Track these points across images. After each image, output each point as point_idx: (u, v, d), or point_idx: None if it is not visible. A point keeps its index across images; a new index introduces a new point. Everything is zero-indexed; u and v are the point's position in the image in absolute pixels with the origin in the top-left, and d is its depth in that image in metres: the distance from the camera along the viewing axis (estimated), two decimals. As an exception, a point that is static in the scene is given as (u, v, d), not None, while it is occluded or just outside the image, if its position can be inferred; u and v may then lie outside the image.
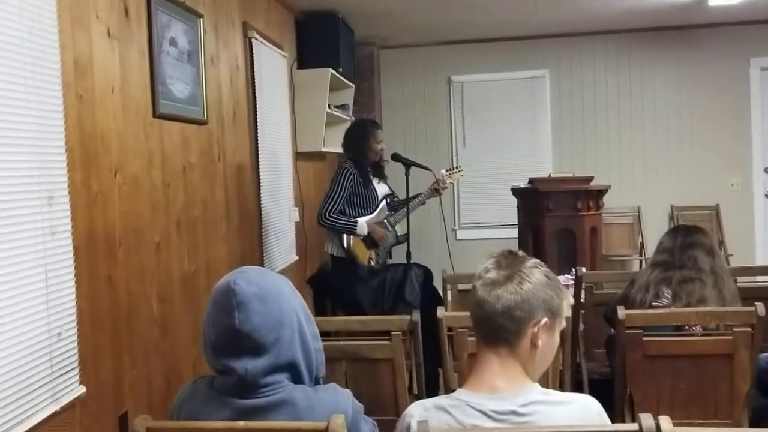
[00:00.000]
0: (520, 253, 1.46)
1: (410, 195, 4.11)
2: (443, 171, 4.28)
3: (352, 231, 3.94)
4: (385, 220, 4.10)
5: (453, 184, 4.52)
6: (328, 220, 3.89)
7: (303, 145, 4.91)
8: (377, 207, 4.08)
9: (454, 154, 6.68)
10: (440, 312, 2.52)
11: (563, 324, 1.45)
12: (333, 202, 3.89)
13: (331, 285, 3.89)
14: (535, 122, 6.57)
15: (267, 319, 1.30)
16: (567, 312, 1.46)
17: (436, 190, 4.15)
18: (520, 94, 6.57)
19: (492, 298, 1.39)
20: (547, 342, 1.41)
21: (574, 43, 6.45)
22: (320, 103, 4.90)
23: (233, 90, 3.64)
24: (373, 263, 4.02)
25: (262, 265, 3.94)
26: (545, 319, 1.39)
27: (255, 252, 3.94)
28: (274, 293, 1.34)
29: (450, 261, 4.38)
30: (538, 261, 1.45)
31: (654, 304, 2.64)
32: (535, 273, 1.41)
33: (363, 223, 3.96)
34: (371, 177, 4.08)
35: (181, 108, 2.95)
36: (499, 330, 1.39)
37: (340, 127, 5.04)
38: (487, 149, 6.63)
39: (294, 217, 4.61)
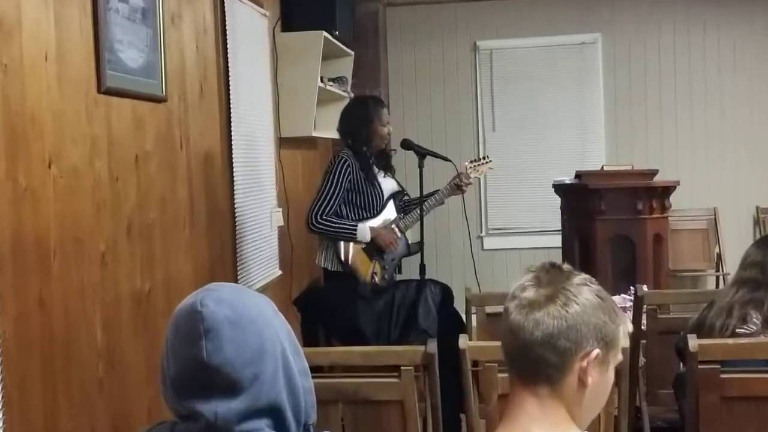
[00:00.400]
0: (565, 266, 1.47)
1: (425, 193, 4.11)
2: (467, 163, 4.29)
3: (350, 237, 3.97)
4: (393, 225, 4.12)
5: (479, 178, 4.52)
6: (321, 224, 3.94)
7: (289, 128, 4.93)
8: (383, 208, 4.10)
9: (480, 140, 6.65)
10: (463, 341, 2.50)
11: (619, 357, 1.46)
12: (327, 202, 3.93)
13: (325, 307, 3.90)
14: (584, 101, 6.54)
15: (243, 349, 1.31)
16: (624, 342, 1.48)
17: (457, 187, 4.16)
18: (565, 65, 6.55)
19: (530, 324, 1.40)
20: (598, 380, 1.42)
21: (632, 1, 6.49)
22: (310, 76, 4.91)
23: (200, 58, 3.66)
24: (377, 279, 4.04)
25: (236, 281, 3.94)
26: (597, 351, 1.40)
27: (227, 265, 3.96)
28: (251, 317, 1.34)
29: (475, 277, 4.36)
30: (587, 277, 1.46)
31: (738, 330, 2.66)
32: (584, 292, 1.42)
33: (365, 227, 4.00)
34: (375, 170, 4.10)
35: (134, 81, 2.96)
36: (538, 364, 1.40)
37: (336, 106, 5.01)
38: (522, 135, 6.60)
39: (277, 221, 4.61)
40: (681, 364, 2.88)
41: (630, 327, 1.56)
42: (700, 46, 6.41)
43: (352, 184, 4.00)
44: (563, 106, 6.58)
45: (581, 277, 1.46)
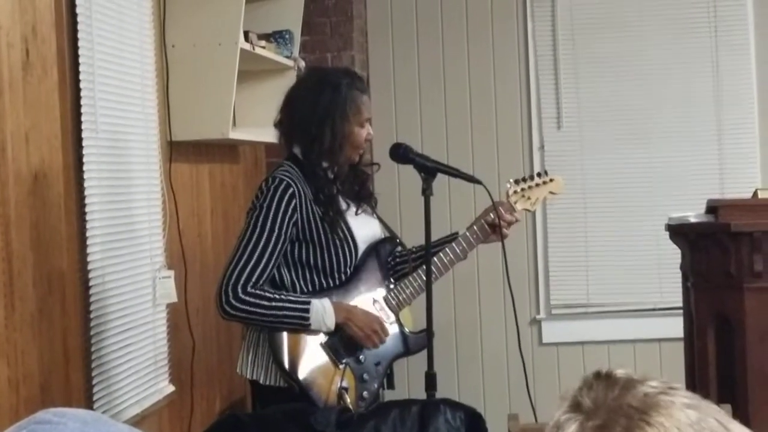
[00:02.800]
0: (620, 372, 1.48)
1: (433, 240, 4.22)
2: (510, 184, 4.43)
3: (299, 324, 4.10)
4: (377, 298, 4.29)
5: (530, 212, 4.75)
6: (246, 302, 4.06)
7: (187, 127, 4.98)
8: (357, 270, 4.29)
9: (534, 146, 6.84)
10: None
11: None
12: (255, 261, 4.09)
13: None
14: (722, 73, 6.70)
15: None
16: None
17: (491, 228, 4.33)
18: (689, 12, 6.75)
19: None
20: None
21: None
22: (226, 30, 4.97)
23: (24, 8, 3.69)
24: (349, 401, 4.14)
25: (89, 405, 4.01)
26: None
27: (74, 375, 3.97)
28: None
29: (528, 393, 4.38)
30: (666, 383, 1.46)
31: None
32: (661, 406, 1.43)
33: (324, 305, 4.12)
34: (338, 195, 4.25)
35: None
36: None
37: (274, 85, 5.22)
38: (609, 136, 6.78)
39: (166, 295, 4.67)
40: None
41: None
42: None
43: (302, 228, 4.12)
44: (684, 84, 6.73)
45: (652, 384, 1.46)
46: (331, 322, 4.13)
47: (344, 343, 4.19)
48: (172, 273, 4.72)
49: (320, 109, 4.20)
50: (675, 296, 5.26)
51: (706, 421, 1.43)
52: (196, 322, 4.98)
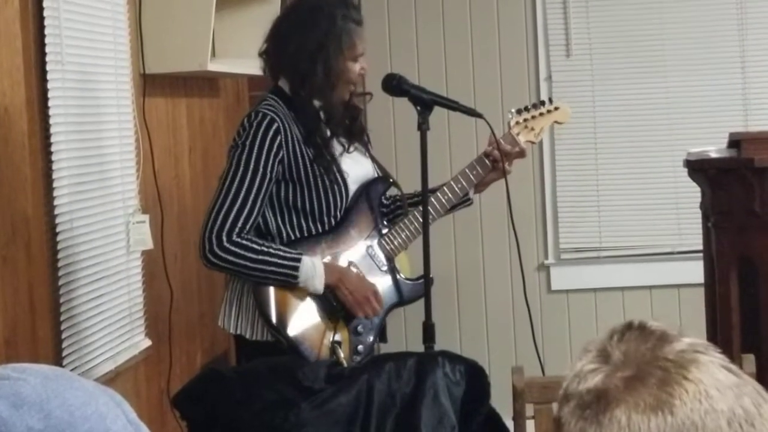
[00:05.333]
0: (654, 324, 1.51)
1: (431, 181, 4.24)
2: (512, 114, 4.41)
3: (286, 281, 4.08)
4: (368, 248, 4.30)
5: (535, 144, 4.64)
6: (231, 251, 4.05)
7: (161, 57, 4.96)
8: (348, 213, 4.29)
9: (540, 76, 6.83)
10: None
11: None
12: (240, 206, 4.09)
13: (235, 411, 3.97)
14: (746, 3, 6.67)
15: None
16: None
17: (492, 163, 4.30)
18: None
19: None
20: None
21: None
22: None
23: None
24: (341, 356, 4.15)
25: (57, 361, 4.05)
26: None
27: (40, 329, 3.99)
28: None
29: (534, 345, 4.38)
30: (702, 342, 1.49)
31: None
32: (700, 362, 1.47)
33: (314, 265, 4.13)
34: (332, 138, 4.22)
35: None
36: None
37: (257, 11, 5.26)
38: (625, 65, 6.76)
39: (141, 241, 4.70)
40: None
41: None
42: None
43: (288, 168, 4.10)
44: (704, 8, 6.74)
45: (688, 340, 1.49)
46: (320, 285, 4.11)
47: (333, 297, 4.22)
48: (146, 217, 4.70)
49: (312, 42, 4.16)
50: (694, 238, 5.31)
51: (746, 387, 1.44)
52: (174, 270, 4.96)
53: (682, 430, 1.45)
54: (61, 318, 4.08)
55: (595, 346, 1.55)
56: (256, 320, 4.14)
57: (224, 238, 4.02)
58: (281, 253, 4.07)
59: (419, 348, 4.08)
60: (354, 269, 4.27)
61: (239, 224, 4.05)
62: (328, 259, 4.21)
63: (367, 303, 4.20)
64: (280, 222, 4.18)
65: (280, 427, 3.84)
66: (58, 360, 4.05)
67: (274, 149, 4.08)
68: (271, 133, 4.07)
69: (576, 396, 1.50)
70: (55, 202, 4.07)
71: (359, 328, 4.22)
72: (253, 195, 4.07)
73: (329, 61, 4.15)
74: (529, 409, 3.50)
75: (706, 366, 1.48)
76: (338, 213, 4.24)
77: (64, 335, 4.08)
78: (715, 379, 1.48)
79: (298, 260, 4.07)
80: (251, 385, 3.94)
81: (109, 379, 4.30)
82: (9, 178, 3.77)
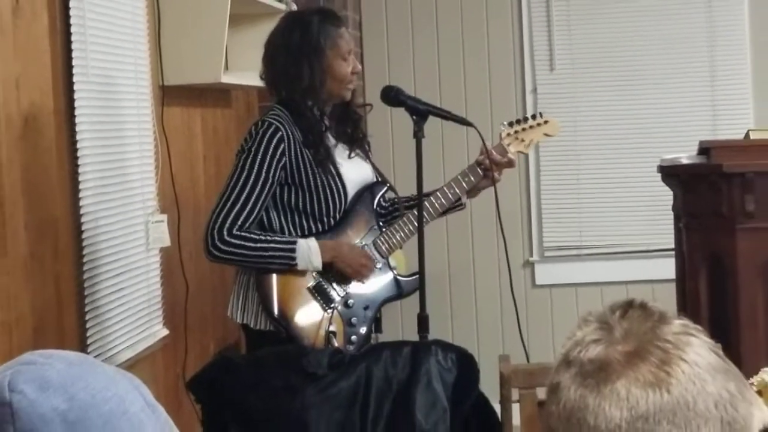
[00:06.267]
0: (653, 305, 1.52)
1: (425, 186, 4.23)
2: (503, 126, 4.43)
3: (284, 263, 4.12)
4: (364, 246, 4.28)
5: (524, 154, 4.87)
6: (232, 244, 4.09)
7: (179, 71, 4.98)
8: (347, 213, 4.30)
9: (527, 89, 6.91)
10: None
11: None
12: (242, 204, 4.12)
13: (245, 395, 4.00)
14: (715, 22, 6.76)
15: None
16: None
17: (483, 171, 4.32)
18: None
19: (607, 403, 1.45)
20: None
21: None
22: None
23: None
24: (335, 344, 4.16)
25: (82, 348, 4.02)
26: None
27: (67, 319, 4.00)
28: (104, 414, 1.40)
29: (520, 335, 4.44)
30: (691, 324, 1.51)
31: None
32: (694, 345, 1.48)
33: (310, 245, 4.15)
34: (332, 142, 4.25)
35: None
36: None
37: (265, 30, 4.92)
38: (604, 79, 6.87)
39: (159, 239, 4.67)
40: None
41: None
42: None
43: (291, 172, 4.13)
44: (678, 25, 6.80)
45: (681, 322, 1.52)
46: (318, 262, 4.15)
47: (335, 281, 4.23)
48: (164, 217, 4.74)
49: (294, 48, 4.23)
50: (667, 237, 5.35)
51: (731, 372, 1.48)
52: (190, 265, 4.99)
53: (675, 407, 1.46)
54: (86, 309, 4.14)
55: (595, 317, 1.56)
56: (260, 312, 4.20)
57: (225, 233, 4.10)
58: (278, 239, 4.17)
59: (414, 337, 4.14)
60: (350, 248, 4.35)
61: (239, 221, 4.12)
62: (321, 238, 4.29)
63: (364, 267, 4.28)
64: (283, 221, 4.24)
65: (287, 410, 3.91)
66: (82, 347, 4.11)
67: (277, 155, 4.15)
68: (275, 140, 4.14)
69: (578, 363, 1.51)
70: (81, 203, 4.14)
71: (353, 320, 4.28)
72: (254, 196, 4.14)
73: (312, 61, 4.22)
74: (515, 394, 3.58)
75: (699, 348, 1.50)
76: (337, 214, 4.28)
77: (88, 325, 4.15)
78: (708, 362, 1.49)
79: (294, 242, 4.16)
80: (260, 371, 4.02)
81: (129, 365, 4.35)
82: (38, 181, 3.83)
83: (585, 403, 1.48)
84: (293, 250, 4.13)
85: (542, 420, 1.70)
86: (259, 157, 4.13)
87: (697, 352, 1.48)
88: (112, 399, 1.42)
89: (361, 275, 4.24)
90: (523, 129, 4.45)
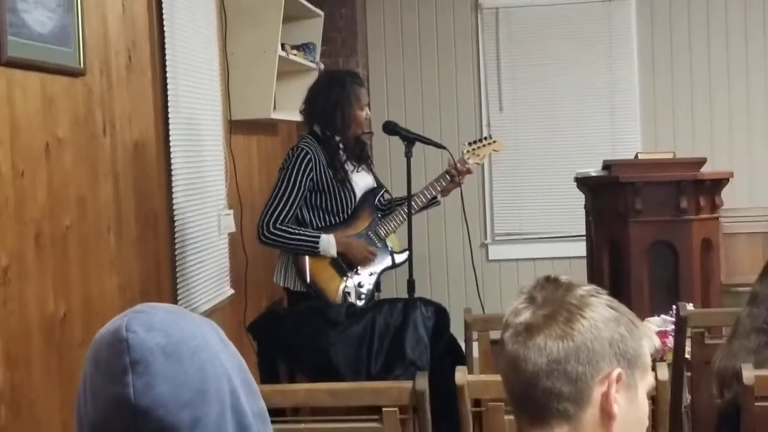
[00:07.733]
0: (564, 278, 1.55)
1: (414, 190, 4.20)
2: (465, 145, 4.44)
3: (311, 251, 4.13)
4: (368, 232, 4.28)
5: (480, 165, 4.61)
6: (274, 234, 4.09)
7: (242, 109, 5.05)
8: (356, 210, 4.25)
9: (483, 123, 6.80)
10: (461, 376, 2.53)
11: (649, 379, 1.53)
12: (282, 207, 4.09)
13: (288, 336, 3.95)
14: (614, 72, 6.68)
15: (180, 387, 1.29)
16: (651, 362, 1.55)
17: (451, 177, 4.30)
18: (591, 29, 6.67)
19: (530, 353, 1.48)
20: (627, 407, 1.48)
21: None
22: (269, 42, 5.03)
23: (127, 20, 3.68)
24: (352, 298, 4.17)
25: (175, 302, 4.03)
26: (618, 370, 1.48)
27: (164, 282, 4.04)
28: (192, 348, 1.34)
29: (478, 295, 4.41)
30: (593, 287, 1.55)
31: None
32: (592, 304, 1.50)
33: (329, 239, 4.15)
34: (346, 162, 4.25)
35: (43, 49, 2.94)
36: (548, 399, 1.47)
37: (302, 81, 5.18)
38: (536, 115, 6.74)
39: (227, 227, 4.74)
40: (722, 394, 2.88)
41: (656, 341, 1.60)
42: (762, 5, 6.46)
43: (316, 183, 4.14)
44: (587, 79, 6.70)
45: (585, 288, 1.53)
46: (333, 252, 4.15)
47: (346, 262, 4.19)
48: (231, 211, 4.80)
49: (332, 100, 4.19)
50: (580, 227, 5.42)
51: (622, 318, 1.51)
52: (248, 246, 4.89)
53: (579, 351, 1.47)
54: (176, 275, 4.18)
55: (525, 290, 1.57)
56: (296, 278, 4.19)
57: (270, 227, 4.08)
58: (307, 233, 4.13)
59: (405, 296, 4.07)
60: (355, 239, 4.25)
61: (279, 219, 4.08)
62: (339, 232, 4.21)
63: (367, 258, 4.21)
64: (312, 216, 4.18)
65: (317, 347, 3.84)
66: (174, 302, 4.04)
67: (307, 171, 4.12)
68: (305, 161, 4.12)
69: (513, 326, 1.53)
70: (173, 202, 4.17)
71: (362, 283, 4.23)
72: (290, 201, 4.10)
73: (344, 111, 4.18)
74: (475, 335, 3.59)
75: (596, 307, 1.49)
76: (349, 211, 4.24)
77: (178, 286, 4.20)
78: (602, 315, 1.48)
79: (318, 237, 4.13)
80: (297, 320, 3.98)
81: (208, 314, 4.24)
82: (144, 187, 3.86)
83: (518, 354, 1.51)
84: (317, 243, 4.13)
85: (495, 363, 1.68)
86: (294, 173, 4.12)
87: (594, 309, 1.50)
88: (198, 336, 1.37)
89: (366, 261, 4.24)
90: (479, 147, 4.42)
